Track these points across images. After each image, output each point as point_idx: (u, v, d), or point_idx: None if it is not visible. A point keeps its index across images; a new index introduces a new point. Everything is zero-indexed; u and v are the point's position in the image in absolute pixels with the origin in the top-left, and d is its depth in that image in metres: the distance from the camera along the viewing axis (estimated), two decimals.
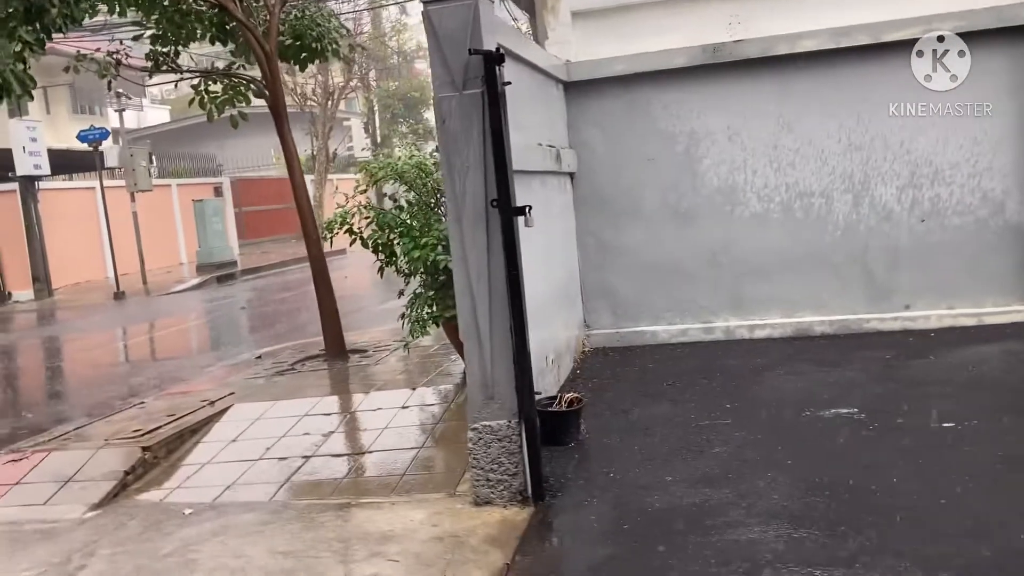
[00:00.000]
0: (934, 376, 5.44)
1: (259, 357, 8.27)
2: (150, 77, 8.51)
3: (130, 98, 20.35)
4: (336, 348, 7.74)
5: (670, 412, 5.20)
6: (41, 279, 18.24)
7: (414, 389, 6.19)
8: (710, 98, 6.76)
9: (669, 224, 6.88)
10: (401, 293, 6.50)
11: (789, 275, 6.74)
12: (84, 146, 18.25)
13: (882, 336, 6.47)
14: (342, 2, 21.86)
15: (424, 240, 6.05)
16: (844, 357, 5.97)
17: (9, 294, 18.27)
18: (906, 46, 6.39)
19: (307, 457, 5.14)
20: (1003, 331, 6.24)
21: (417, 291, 6.31)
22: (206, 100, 8.30)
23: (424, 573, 3.55)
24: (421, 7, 4.22)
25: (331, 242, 6.85)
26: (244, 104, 8.37)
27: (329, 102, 26.87)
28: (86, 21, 7.52)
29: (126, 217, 18.34)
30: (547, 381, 5.31)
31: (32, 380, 10.27)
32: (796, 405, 5.03)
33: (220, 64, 9.47)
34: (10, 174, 18.04)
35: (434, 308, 6.10)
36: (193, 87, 8.45)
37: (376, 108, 32.71)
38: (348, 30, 8.22)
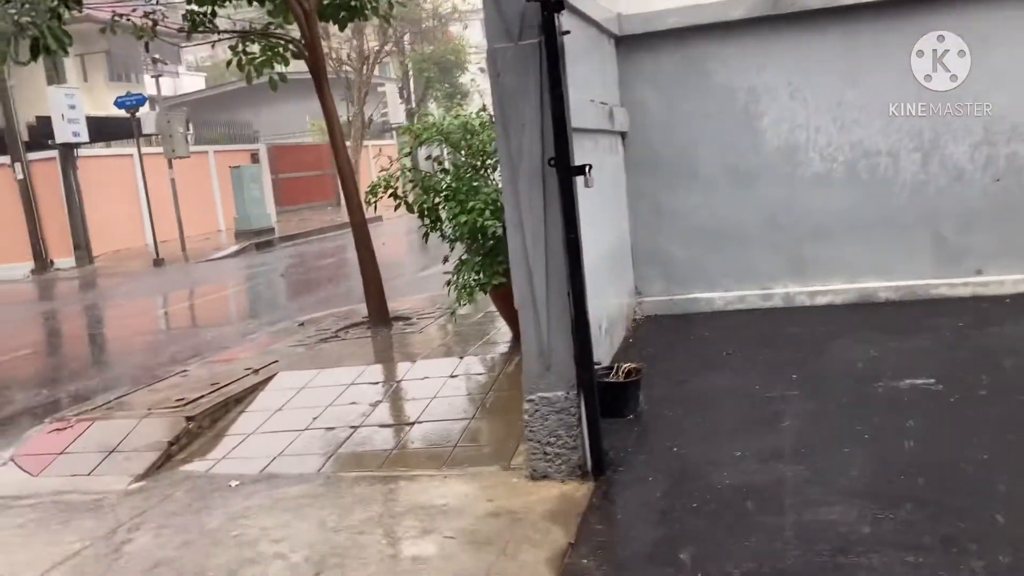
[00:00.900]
0: (1013, 345, 5.13)
1: (301, 324, 8.14)
2: (187, 39, 8.32)
3: (166, 63, 20.28)
4: (379, 315, 7.58)
5: (732, 383, 4.95)
6: (82, 246, 18.33)
7: (461, 358, 6.01)
8: (770, 52, 6.40)
9: (726, 186, 6.57)
10: (446, 259, 6.29)
11: (853, 239, 6.41)
12: (121, 113, 18.21)
13: (952, 303, 6.14)
14: None
15: (471, 204, 5.83)
16: (913, 325, 5.67)
17: (51, 262, 18.39)
18: None
19: (355, 427, 4.99)
20: None
21: (463, 257, 6.10)
22: (244, 62, 8.10)
23: (481, 552, 3.36)
24: None
25: (375, 207, 6.67)
26: (283, 65, 8.16)
27: (364, 67, 26.57)
28: None
29: (164, 184, 18.33)
30: (601, 351, 5.08)
31: (75, 347, 10.27)
32: (868, 375, 4.75)
33: (258, 25, 9.23)
34: (49, 142, 18.08)
35: (481, 275, 5.89)
36: (231, 48, 8.25)
37: (411, 72, 32.36)
38: None
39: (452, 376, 5.66)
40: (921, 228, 6.33)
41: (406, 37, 30.90)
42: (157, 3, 8.29)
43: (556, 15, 3.75)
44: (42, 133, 18.43)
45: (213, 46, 8.89)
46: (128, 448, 4.99)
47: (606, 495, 3.74)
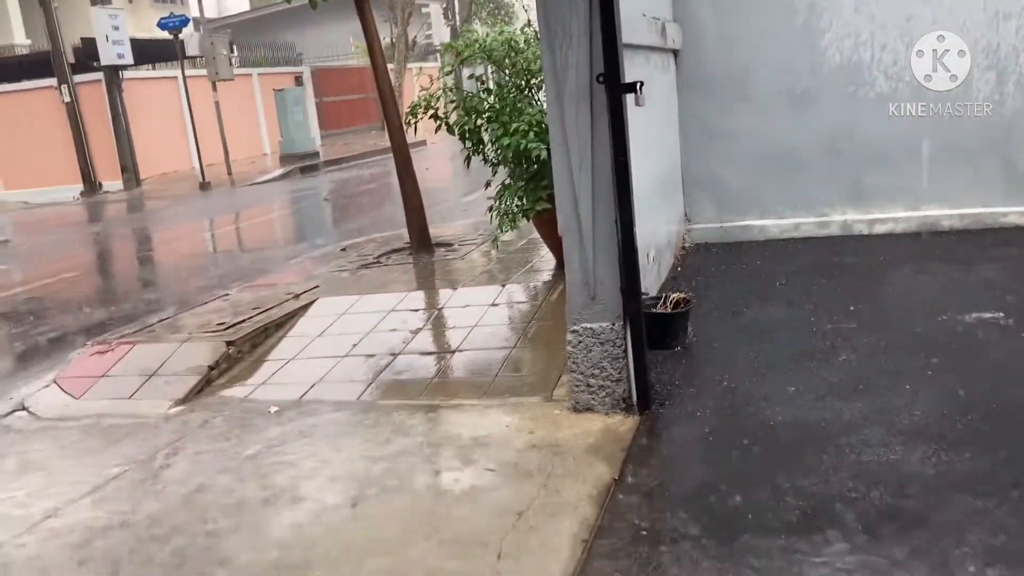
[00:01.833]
0: None
1: (344, 249, 8.05)
2: None
3: None
4: (421, 241, 7.45)
5: (786, 314, 4.74)
6: (129, 169, 18.41)
7: (503, 286, 5.86)
8: None
9: (783, 107, 6.24)
10: (488, 184, 6.10)
11: (916, 164, 6.08)
12: (165, 35, 18.05)
13: (1022, 232, 5.81)
14: None
15: (514, 126, 5.60)
16: (980, 255, 5.37)
17: (100, 184, 18.54)
18: None
19: (395, 355, 4.90)
20: None
21: (506, 182, 5.90)
22: None
23: (523, 485, 3.26)
24: None
25: (415, 129, 6.46)
26: None
27: None
28: None
29: (208, 107, 18.24)
30: (648, 280, 4.90)
31: (121, 270, 10.34)
32: (930, 308, 4.51)
33: None
34: (94, 64, 18.03)
35: (524, 200, 5.70)
36: None
37: None
38: None
39: (494, 304, 5.53)
40: (992, 152, 5.99)
41: None
42: None
43: None
44: (87, 55, 18.37)
45: None
46: (168, 372, 4.97)
47: (652, 430, 3.61)
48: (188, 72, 18.79)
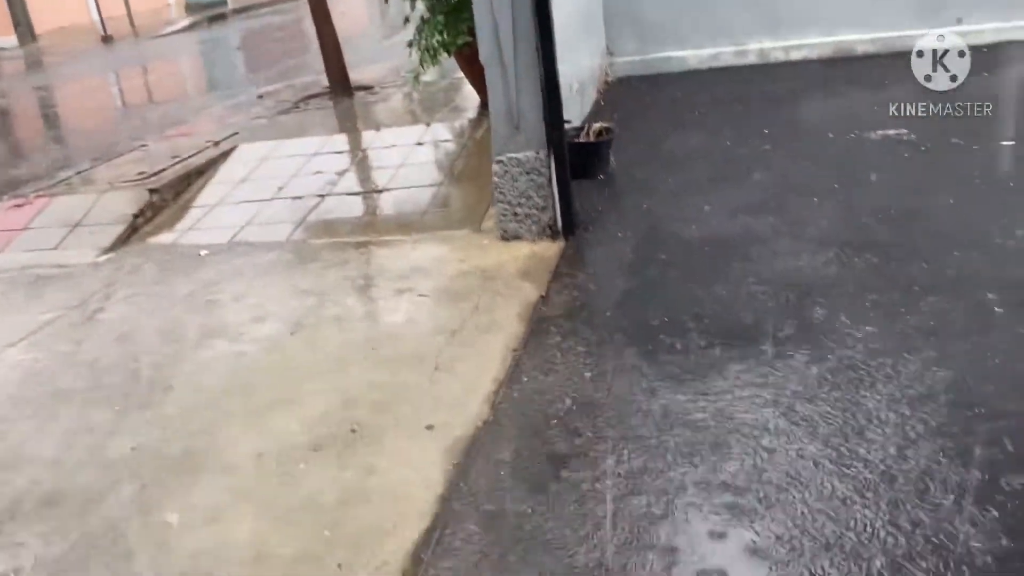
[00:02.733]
0: (993, 93, 5.02)
1: (260, 97, 7.83)
2: None
3: None
4: (340, 85, 7.27)
5: (704, 141, 4.88)
6: (22, 24, 17.22)
7: (428, 125, 5.84)
8: None
9: None
10: (407, 20, 5.95)
11: None
12: None
13: (932, 55, 5.97)
14: None
15: None
16: (890, 77, 5.52)
17: None
18: None
19: (322, 196, 4.91)
20: None
21: (425, 17, 5.77)
22: None
23: (455, 307, 3.40)
24: None
25: None
26: None
27: None
28: None
29: None
30: (572, 112, 4.92)
31: (28, 127, 9.88)
32: (840, 128, 4.69)
33: None
34: None
35: (445, 35, 5.59)
36: None
37: None
38: None
39: (419, 144, 5.53)
40: None
41: None
42: None
43: None
44: None
45: None
46: (92, 222, 4.90)
47: (576, 252, 3.77)
48: None
